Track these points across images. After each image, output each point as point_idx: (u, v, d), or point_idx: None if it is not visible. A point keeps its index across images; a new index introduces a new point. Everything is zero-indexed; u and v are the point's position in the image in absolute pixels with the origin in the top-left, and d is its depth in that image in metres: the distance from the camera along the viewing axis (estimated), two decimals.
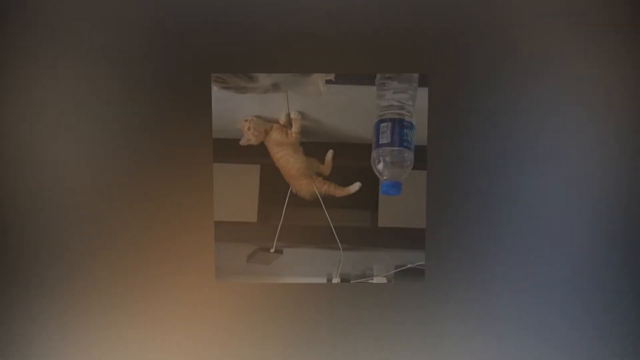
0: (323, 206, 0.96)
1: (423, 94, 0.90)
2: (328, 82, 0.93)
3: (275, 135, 0.95)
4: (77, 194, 1.00)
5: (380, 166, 0.88)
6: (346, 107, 0.94)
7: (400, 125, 0.88)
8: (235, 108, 0.96)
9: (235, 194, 0.99)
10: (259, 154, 0.97)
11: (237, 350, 0.95)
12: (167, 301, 0.97)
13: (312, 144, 0.98)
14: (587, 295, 0.94)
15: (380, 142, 0.88)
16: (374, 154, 0.89)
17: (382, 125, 0.88)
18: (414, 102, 0.89)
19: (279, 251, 0.96)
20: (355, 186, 0.96)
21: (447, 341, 0.93)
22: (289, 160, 0.96)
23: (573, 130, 0.97)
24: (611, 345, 0.95)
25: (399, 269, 0.98)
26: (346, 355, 0.94)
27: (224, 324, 0.97)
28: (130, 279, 0.98)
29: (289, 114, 0.96)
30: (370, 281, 0.98)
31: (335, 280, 0.96)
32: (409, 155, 0.88)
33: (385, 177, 0.89)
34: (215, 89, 0.93)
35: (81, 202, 1.00)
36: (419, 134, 0.90)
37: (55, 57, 1.03)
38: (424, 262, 0.92)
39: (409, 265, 0.98)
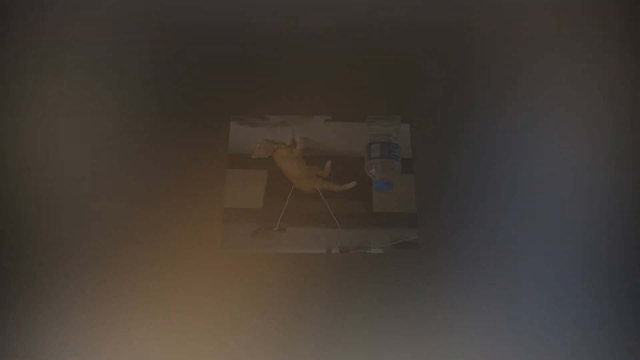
0: (322, 198, 1.09)
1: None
2: (327, 120, 1.20)
3: (282, 151, 1.16)
4: (105, 190, 1.10)
5: (372, 171, 1.12)
6: (342, 138, 1.18)
7: (388, 145, 1.14)
8: (249, 135, 1.18)
9: (245, 189, 1.09)
10: (268, 163, 1.13)
11: (241, 315, 0.99)
12: (175, 267, 1.02)
13: (314, 157, 1.14)
14: (577, 264, 1.03)
15: (372, 156, 1.13)
16: (366, 163, 1.13)
17: (372, 145, 1.15)
18: (399, 132, 1.17)
19: (281, 229, 1.04)
20: (352, 184, 1.10)
21: (442, 307, 1.00)
22: (293, 168, 1.13)
23: (553, 122, 1.13)
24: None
25: (395, 242, 1.05)
26: (344, 318, 0.98)
27: (228, 288, 1.00)
28: (144, 253, 1.04)
29: (294, 139, 1.18)
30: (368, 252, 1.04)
31: (335, 251, 1.02)
32: (397, 165, 1.12)
33: (377, 179, 1.11)
34: (233, 125, 1.16)
35: (101, 198, 1.09)
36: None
37: (90, 82, 1.19)
38: (417, 237, 1.04)
39: (403, 240, 1.05)
